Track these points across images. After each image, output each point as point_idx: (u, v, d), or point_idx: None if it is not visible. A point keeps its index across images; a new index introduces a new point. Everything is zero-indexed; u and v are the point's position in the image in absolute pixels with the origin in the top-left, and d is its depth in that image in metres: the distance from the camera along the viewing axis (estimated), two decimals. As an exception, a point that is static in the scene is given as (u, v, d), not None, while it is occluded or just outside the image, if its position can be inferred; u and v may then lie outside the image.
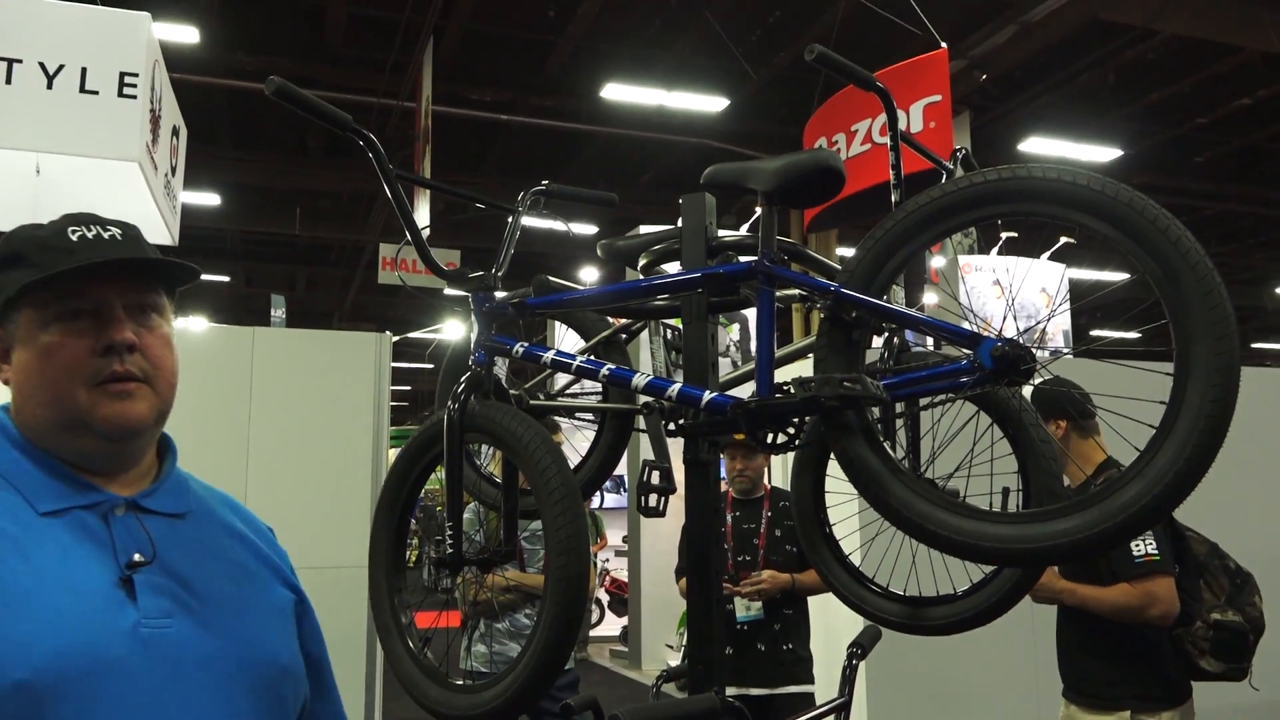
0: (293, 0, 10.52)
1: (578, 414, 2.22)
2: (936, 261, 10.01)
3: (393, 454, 2.34)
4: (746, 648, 4.03)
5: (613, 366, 1.83)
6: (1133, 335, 18.69)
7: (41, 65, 3.84)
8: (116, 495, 1.23)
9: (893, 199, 1.79)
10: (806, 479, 2.19)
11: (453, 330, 16.43)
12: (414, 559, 13.50)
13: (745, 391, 1.69)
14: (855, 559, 2.18)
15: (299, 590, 1.41)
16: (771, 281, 1.65)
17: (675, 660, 8.23)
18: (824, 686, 4.07)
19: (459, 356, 2.18)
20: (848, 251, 11.99)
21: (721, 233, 1.95)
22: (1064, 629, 3.34)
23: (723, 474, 3.79)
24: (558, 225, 11.62)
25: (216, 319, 19.59)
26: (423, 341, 19.99)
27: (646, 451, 1.87)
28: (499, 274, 1.93)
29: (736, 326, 9.44)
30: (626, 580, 10.88)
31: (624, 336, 2.19)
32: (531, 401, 2.06)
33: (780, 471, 5.04)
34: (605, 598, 12.19)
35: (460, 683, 1.78)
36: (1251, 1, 9.33)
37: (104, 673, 1.10)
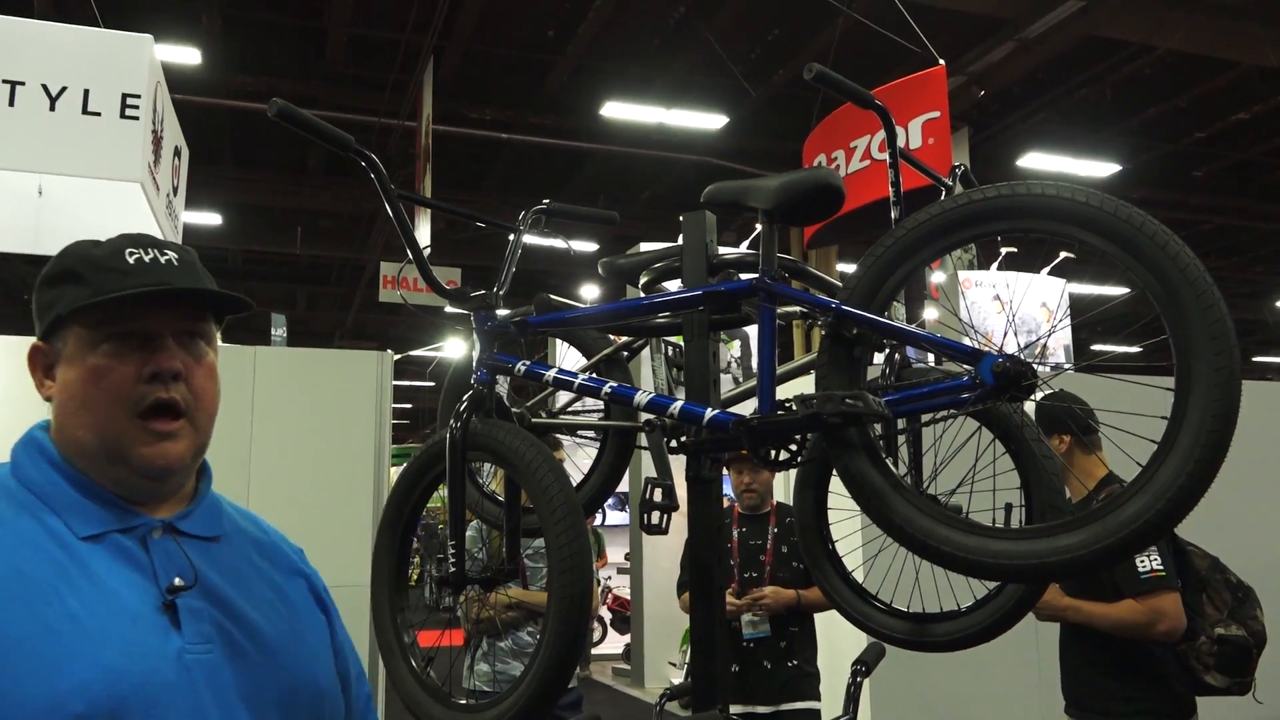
0: (294, 21, 10.58)
1: (580, 432, 2.22)
2: (936, 277, 10.03)
3: (394, 472, 2.34)
4: (753, 665, 4.00)
5: (615, 384, 1.83)
6: (1133, 350, 18.68)
7: (44, 87, 3.86)
8: (153, 518, 1.22)
9: (892, 216, 1.80)
10: (809, 496, 2.19)
11: (454, 349, 16.44)
12: (415, 577, 13.46)
13: (747, 408, 1.70)
14: (858, 575, 2.18)
15: (331, 609, 1.40)
16: (773, 299, 1.66)
17: (678, 678, 8.19)
18: (828, 703, 4.05)
19: (461, 375, 2.19)
20: (847, 268, 12.01)
21: (721, 250, 1.96)
22: (1068, 645, 3.33)
23: (726, 490, 3.79)
24: (558, 243, 11.64)
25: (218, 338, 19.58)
26: (424, 360, 20.00)
27: (649, 469, 1.88)
28: (501, 292, 1.94)
29: (737, 343, 9.44)
30: (629, 598, 10.85)
31: (625, 354, 2.20)
32: (534, 419, 2.06)
33: (783, 487, 5.03)
34: (608, 615, 12.15)
35: (463, 702, 1.78)
36: (1247, 17, 9.37)
37: (154, 703, 1.09)
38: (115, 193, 4.02)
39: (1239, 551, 3.47)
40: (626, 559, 11.27)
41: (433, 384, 21.94)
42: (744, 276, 1.76)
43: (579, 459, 2.28)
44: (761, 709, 3.96)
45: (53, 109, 3.87)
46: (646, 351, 2.17)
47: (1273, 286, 18.74)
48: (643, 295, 1.96)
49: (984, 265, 11.39)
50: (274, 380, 5.04)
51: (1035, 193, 1.41)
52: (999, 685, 4.75)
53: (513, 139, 12.03)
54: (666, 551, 8.16)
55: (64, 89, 3.88)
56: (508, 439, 1.76)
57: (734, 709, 3.89)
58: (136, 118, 3.96)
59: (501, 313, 1.94)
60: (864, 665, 2.32)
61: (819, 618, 4.16)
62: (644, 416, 1.89)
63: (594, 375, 2.03)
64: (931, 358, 2.10)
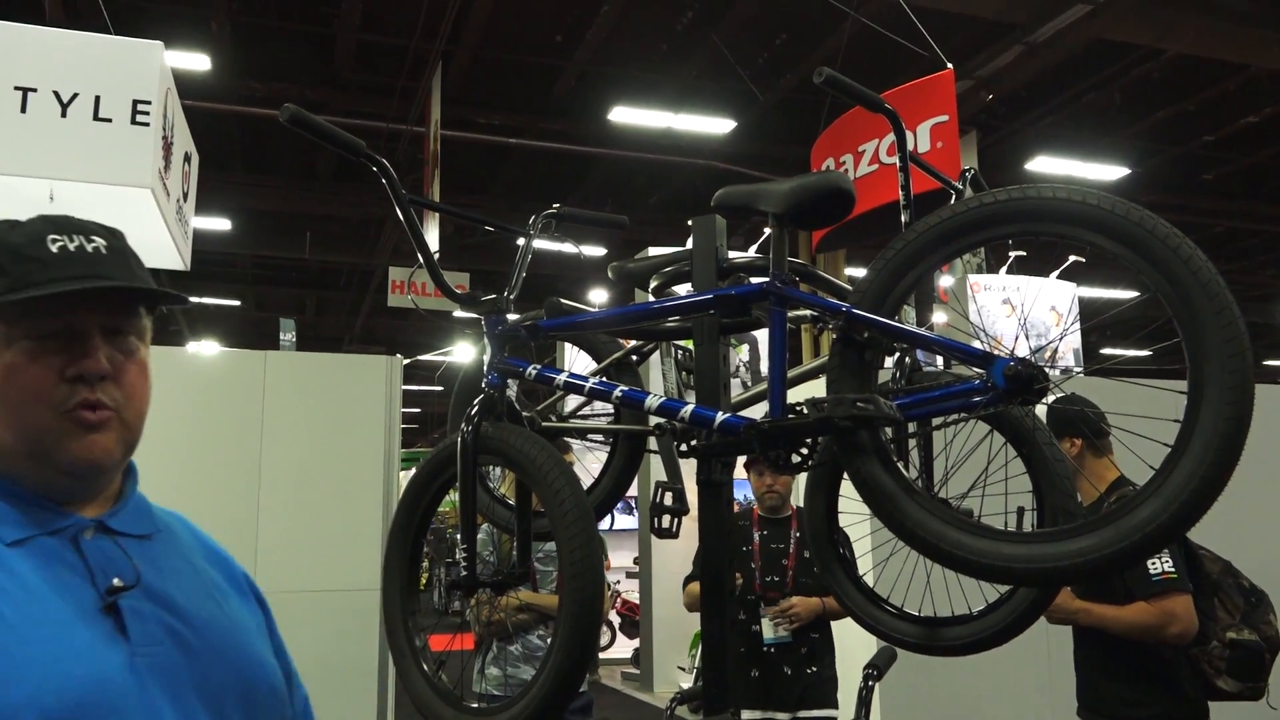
0: (303, 27, 10.62)
1: (590, 435, 2.22)
2: (945, 281, 10.02)
3: (404, 477, 2.34)
4: (773, 670, 3.97)
5: (625, 388, 1.83)
6: (1144, 353, 18.64)
7: (55, 94, 3.89)
8: (83, 518, 1.15)
9: (902, 219, 1.80)
10: (819, 499, 2.18)
11: (463, 353, 16.48)
12: (425, 581, 13.47)
13: (757, 412, 1.70)
14: (869, 579, 2.18)
15: (266, 606, 1.37)
16: (783, 302, 1.65)
17: (688, 682, 8.18)
18: (845, 709, 4.03)
19: (471, 379, 2.19)
20: (856, 271, 12.00)
21: (731, 254, 1.96)
22: (1080, 649, 3.32)
23: (738, 494, 3.75)
24: (568, 248, 11.66)
25: (227, 343, 19.69)
26: (433, 364, 20.03)
27: (659, 473, 1.88)
28: (511, 296, 1.94)
29: (746, 347, 9.44)
30: (638, 602, 10.84)
31: (635, 358, 2.20)
32: (544, 423, 2.06)
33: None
34: (617, 620, 12.14)
35: (475, 705, 1.78)
36: (1256, 21, 9.35)
37: (109, 708, 1.04)
38: (126, 199, 4.04)
39: (1251, 556, 3.46)
40: (636, 563, 11.27)
41: (442, 388, 21.98)
42: (754, 280, 1.77)
43: (589, 463, 2.28)
44: (780, 716, 3.94)
45: (64, 115, 3.89)
46: (656, 356, 2.18)
47: (1283, 290, 18.68)
48: (653, 299, 1.96)
49: (993, 269, 11.38)
50: (283, 385, 5.06)
51: (1046, 196, 1.40)
52: (1010, 689, 4.74)
53: (521, 144, 12.06)
54: (676, 556, 8.16)
55: (75, 95, 3.91)
56: (519, 443, 1.76)
57: (753, 715, 3.90)
58: (147, 124, 3.99)
59: (512, 317, 1.94)
60: (875, 669, 2.32)
61: (833, 622, 4.13)
62: (654, 420, 1.89)
63: (604, 379, 2.03)
64: (941, 361, 2.10)
